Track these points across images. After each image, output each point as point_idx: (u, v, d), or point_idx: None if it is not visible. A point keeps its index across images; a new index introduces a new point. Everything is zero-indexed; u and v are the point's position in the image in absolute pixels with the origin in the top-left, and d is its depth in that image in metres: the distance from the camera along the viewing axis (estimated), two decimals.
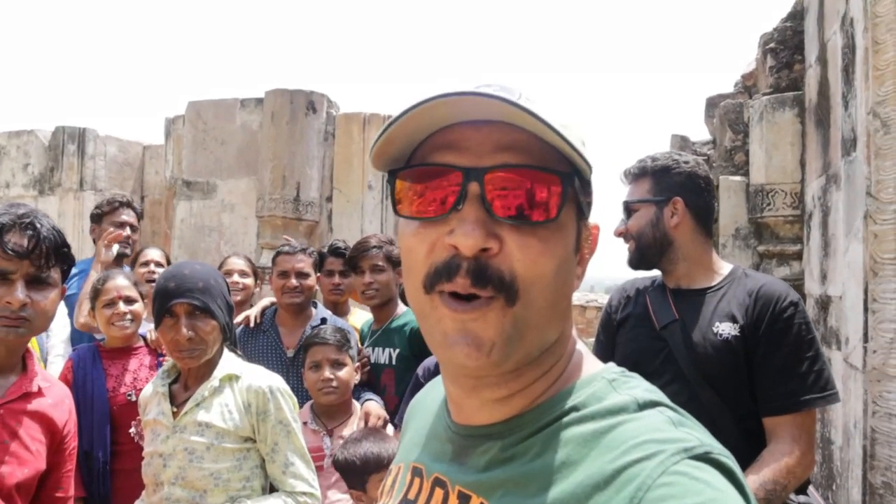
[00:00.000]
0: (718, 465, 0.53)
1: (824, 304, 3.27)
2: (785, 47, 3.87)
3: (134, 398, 2.22)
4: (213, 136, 6.36)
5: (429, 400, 0.79)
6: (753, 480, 1.47)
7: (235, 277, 2.93)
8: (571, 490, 0.55)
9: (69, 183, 7.23)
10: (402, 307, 2.64)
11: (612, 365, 0.67)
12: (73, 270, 2.95)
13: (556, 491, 0.55)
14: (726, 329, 1.62)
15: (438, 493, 0.65)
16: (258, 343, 2.64)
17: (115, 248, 2.91)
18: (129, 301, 2.37)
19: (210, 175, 6.35)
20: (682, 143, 4.65)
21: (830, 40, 3.15)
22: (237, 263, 3.00)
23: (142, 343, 2.45)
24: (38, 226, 1.34)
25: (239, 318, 2.68)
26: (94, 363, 2.33)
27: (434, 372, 2.32)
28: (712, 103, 4.77)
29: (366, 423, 2.28)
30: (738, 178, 4.10)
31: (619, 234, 1.81)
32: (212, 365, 1.79)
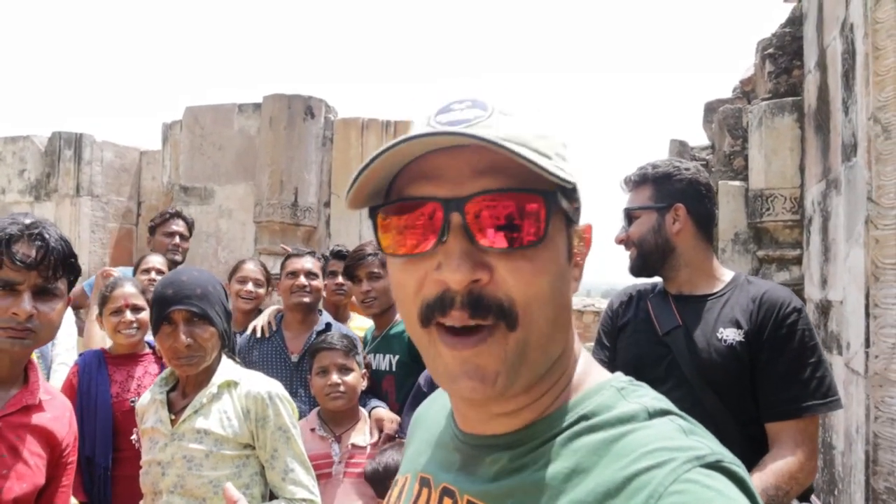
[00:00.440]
0: (730, 473, 0.53)
1: (825, 309, 3.26)
2: (784, 53, 3.88)
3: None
4: (211, 141, 6.35)
5: (434, 409, 0.78)
6: (755, 485, 1.45)
7: (250, 286, 2.94)
8: (582, 498, 0.54)
9: (66, 189, 7.20)
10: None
11: (619, 374, 0.66)
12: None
13: (566, 499, 0.55)
14: (731, 335, 1.62)
15: (447, 502, 0.64)
16: (262, 348, 2.64)
17: (112, 279, 2.91)
18: (135, 309, 2.39)
19: (207, 180, 6.34)
20: (680, 147, 4.65)
21: (830, 46, 3.16)
22: (253, 271, 3.00)
23: (148, 350, 2.46)
24: (47, 236, 1.32)
25: (248, 330, 2.70)
26: (99, 369, 2.35)
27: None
28: (711, 108, 4.77)
29: (380, 431, 2.28)
30: (737, 183, 4.10)
31: (619, 241, 1.80)
32: (210, 372, 1.77)
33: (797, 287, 3.77)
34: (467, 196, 0.57)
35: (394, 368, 2.52)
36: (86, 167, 7.22)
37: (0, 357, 1.33)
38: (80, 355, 2.50)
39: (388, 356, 2.53)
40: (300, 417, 2.12)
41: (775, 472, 1.50)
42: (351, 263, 2.65)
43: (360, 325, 3.00)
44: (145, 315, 2.38)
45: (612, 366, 1.57)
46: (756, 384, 1.60)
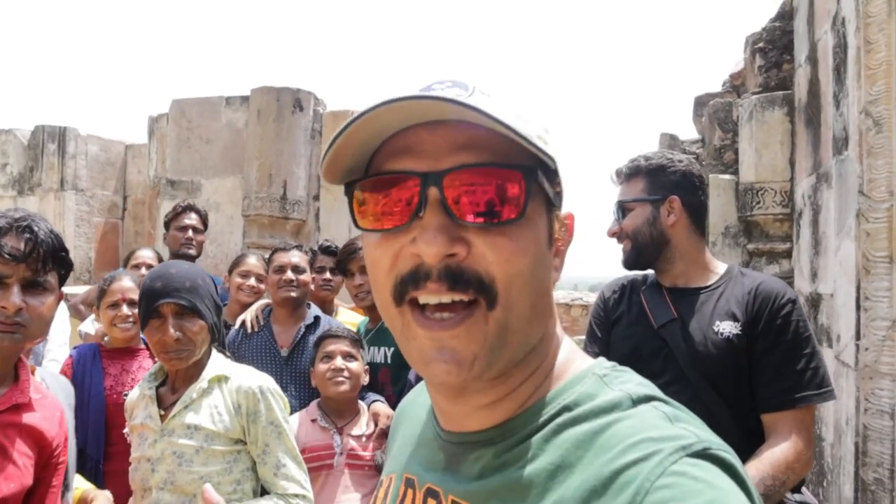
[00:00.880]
0: (718, 461, 0.51)
1: (815, 301, 3.28)
2: (774, 47, 3.89)
3: None
4: (198, 134, 6.28)
5: (415, 406, 0.77)
6: (753, 476, 1.47)
7: (252, 281, 2.92)
8: (570, 495, 0.53)
9: (50, 183, 7.10)
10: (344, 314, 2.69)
11: (602, 360, 0.65)
12: None
13: (552, 497, 0.54)
14: (727, 328, 1.62)
15: (431, 503, 0.63)
16: (252, 343, 2.62)
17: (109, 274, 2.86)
18: (132, 303, 2.37)
19: (195, 174, 6.27)
20: (670, 141, 4.66)
21: (821, 40, 3.16)
22: (255, 265, 2.96)
23: (143, 346, 2.44)
24: (36, 229, 1.30)
25: (237, 324, 2.68)
26: (93, 361, 2.37)
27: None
28: (701, 102, 4.79)
29: (376, 424, 2.29)
30: (727, 176, 4.11)
31: (612, 234, 1.79)
32: (200, 366, 1.75)
33: (787, 280, 3.79)
34: (445, 170, 0.56)
35: (389, 361, 2.53)
36: (70, 161, 7.12)
37: None
38: (75, 348, 2.50)
39: (382, 349, 2.53)
40: (290, 412, 2.10)
41: (772, 462, 1.50)
42: (343, 257, 2.65)
43: (345, 319, 2.99)
44: None
45: (606, 358, 1.54)
46: (752, 375, 1.61)
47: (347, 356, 2.26)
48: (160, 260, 3.10)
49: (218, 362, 1.78)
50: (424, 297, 0.56)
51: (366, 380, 2.35)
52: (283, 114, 5.79)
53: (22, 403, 1.35)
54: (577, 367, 0.63)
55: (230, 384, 1.73)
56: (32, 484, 1.34)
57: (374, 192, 0.59)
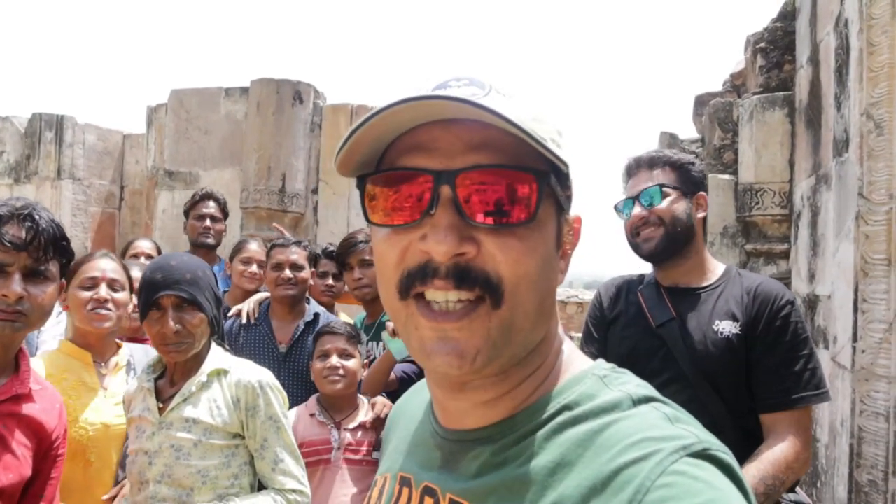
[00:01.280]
0: (717, 461, 0.52)
1: (812, 303, 3.29)
2: (775, 47, 3.89)
3: None
4: (197, 125, 6.25)
5: (411, 406, 0.77)
6: (753, 476, 1.48)
7: (254, 267, 2.89)
8: (569, 493, 0.53)
9: (46, 171, 7.06)
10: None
11: (601, 362, 0.65)
12: None
13: (552, 495, 0.54)
14: (727, 327, 1.63)
15: (428, 501, 0.62)
16: (250, 337, 2.60)
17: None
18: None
19: (193, 165, 6.24)
20: (670, 140, 4.66)
21: (823, 41, 3.16)
22: (257, 252, 2.93)
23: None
24: (37, 217, 1.30)
25: (233, 311, 2.66)
26: None
27: (418, 375, 2.31)
28: (701, 101, 4.78)
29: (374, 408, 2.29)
30: (726, 176, 4.11)
31: (641, 218, 1.73)
32: (199, 359, 1.74)
33: (784, 281, 3.80)
34: (459, 169, 0.56)
35: None
36: (67, 150, 7.08)
37: None
38: None
39: (380, 343, 2.52)
40: (288, 409, 2.10)
41: (772, 462, 1.51)
42: (342, 251, 2.63)
43: (345, 320, 2.97)
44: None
45: (603, 359, 1.54)
46: (751, 376, 1.62)
47: (343, 354, 2.25)
48: (159, 251, 3.08)
49: (217, 356, 1.77)
50: (431, 294, 0.57)
51: (364, 374, 2.34)
52: (283, 106, 5.77)
53: (22, 394, 1.34)
54: (577, 367, 0.64)
55: (229, 378, 1.73)
56: (31, 475, 1.34)
57: (385, 187, 0.59)
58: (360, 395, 2.35)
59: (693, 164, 1.78)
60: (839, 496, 2.70)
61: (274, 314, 2.66)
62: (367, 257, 2.55)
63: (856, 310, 2.45)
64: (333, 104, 6.13)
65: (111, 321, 1.98)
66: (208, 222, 3.31)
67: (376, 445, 2.21)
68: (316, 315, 2.62)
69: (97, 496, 1.88)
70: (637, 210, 1.73)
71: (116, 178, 7.53)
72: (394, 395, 2.42)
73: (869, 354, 2.38)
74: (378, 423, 2.23)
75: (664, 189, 1.72)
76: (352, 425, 2.21)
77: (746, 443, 1.56)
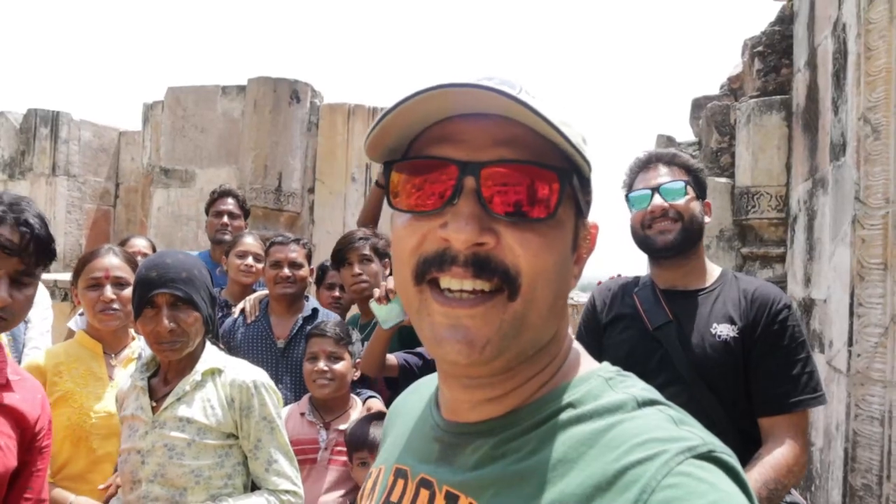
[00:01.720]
0: (722, 464, 0.52)
1: (807, 307, 3.29)
2: (773, 51, 3.90)
3: None
4: (193, 123, 6.23)
5: (411, 402, 0.77)
6: (756, 480, 1.49)
7: (249, 260, 2.88)
8: (571, 491, 0.53)
9: (41, 168, 7.03)
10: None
11: (606, 364, 0.66)
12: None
13: (553, 491, 0.54)
14: (725, 330, 1.64)
15: (424, 493, 0.62)
16: (249, 333, 2.60)
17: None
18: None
19: (189, 163, 6.22)
20: (667, 143, 4.66)
21: (821, 45, 3.17)
22: (252, 245, 2.92)
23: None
24: (32, 222, 1.26)
25: (236, 310, 2.66)
26: None
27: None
28: (698, 105, 4.79)
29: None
30: (723, 179, 4.11)
31: (662, 209, 1.71)
32: (193, 358, 1.73)
33: (780, 285, 3.80)
34: (484, 162, 0.57)
35: None
36: (62, 146, 7.05)
37: None
38: None
39: None
40: (284, 405, 2.09)
41: (774, 466, 1.52)
42: (342, 247, 2.62)
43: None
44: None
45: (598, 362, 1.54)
46: (748, 379, 1.63)
47: (332, 356, 2.24)
48: (154, 249, 3.06)
49: (212, 355, 1.76)
50: (447, 281, 0.57)
51: (356, 375, 2.33)
52: (280, 105, 5.75)
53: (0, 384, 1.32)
54: (583, 368, 0.64)
55: (224, 377, 1.72)
56: (17, 467, 1.32)
57: (411, 174, 0.60)
58: (353, 396, 2.35)
59: (703, 171, 1.82)
60: (833, 500, 2.70)
61: (272, 311, 2.65)
62: (367, 253, 2.55)
63: (851, 314, 2.45)
64: (330, 103, 6.12)
65: (118, 320, 2.06)
66: (226, 219, 3.28)
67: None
68: (314, 310, 2.62)
69: (98, 484, 1.91)
70: (658, 201, 1.71)
71: (112, 176, 7.50)
72: (393, 383, 2.42)
73: (864, 358, 2.38)
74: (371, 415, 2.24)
75: (688, 187, 1.73)
76: (342, 426, 2.20)
77: (744, 445, 1.56)
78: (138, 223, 6.92)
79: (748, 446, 1.57)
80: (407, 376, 2.21)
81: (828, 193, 2.97)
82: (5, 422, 1.31)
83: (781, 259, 3.85)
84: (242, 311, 2.66)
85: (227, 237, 3.23)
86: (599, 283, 1.98)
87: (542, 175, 0.58)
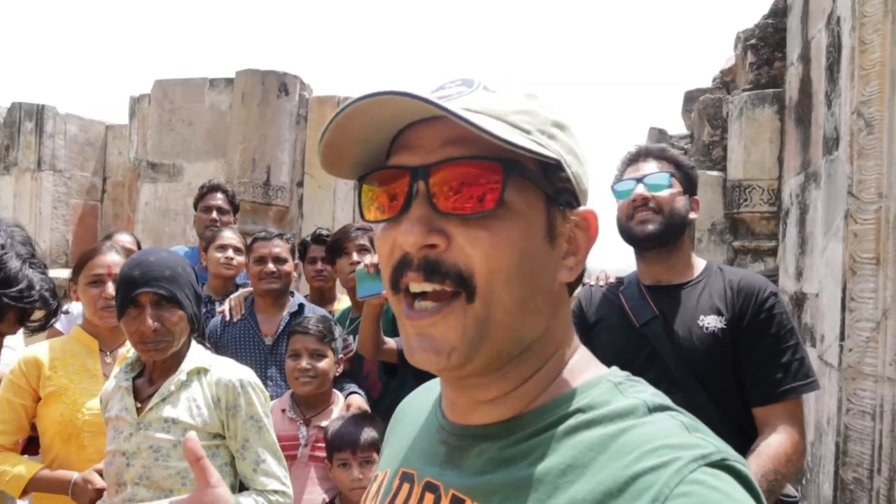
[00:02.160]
0: (735, 472, 0.52)
1: (799, 301, 3.29)
2: (766, 44, 3.88)
3: None
4: (181, 116, 6.16)
5: (417, 404, 0.76)
6: (754, 472, 1.46)
7: (230, 253, 2.86)
8: (581, 497, 0.52)
9: (26, 162, 6.93)
10: None
11: (615, 369, 0.64)
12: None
13: (563, 498, 0.53)
14: (712, 322, 1.63)
15: (429, 497, 0.61)
16: (235, 331, 2.58)
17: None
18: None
19: (176, 157, 6.15)
20: (659, 136, 4.65)
21: (815, 38, 3.15)
22: (230, 238, 2.90)
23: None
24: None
25: (224, 307, 2.64)
26: None
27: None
28: (690, 97, 4.78)
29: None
30: (715, 173, 4.11)
31: (643, 198, 1.70)
32: (179, 358, 1.70)
33: (772, 279, 3.80)
34: (431, 164, 0.58)
35: None
36: (48, 140, 6.95)
37: None
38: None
39: None
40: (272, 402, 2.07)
41: (771, 457, 1.51)
42: (340, 237, 2.61)
43: (346, 305, 2.94)
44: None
45: None
46: (739, 370, 1.62)
47: (314, 354, 2.23)
48: (139, 246, 3.02)
49: (197, 354, 1.73)
50: (410, 285, 0.58)
51: (338, 371, 2.33)
52: (268, 98, 5.69)
53: None
54: (591, 372, 0.63)
55: (210, 377, 1.69)
56: None
57: (376, 185, 0.62)
58: (335, 391, 2.34)
59: (694, 168, 1.80)
60: (825, 494, 2.71)
61: (258, 308, 2.63)
62: (365, 243, 2.54)
63: (843, 308, 2.44)
64: (319, 96, 6.06)
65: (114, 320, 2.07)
66: (215, 214, 3.23)
67: None
68: (301, 306, 2.60)
69: None
70: (640, 190, 1.70)
71: (99, 170, 7.41)
72: (392, 368, 2.41)
73: (856, 353, 2.38)
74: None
75: (672, 179, 1.71)
76: (323, 423, 2.19)
77: (737, 439, 1.55)
78: (125, 218, 6.85)
79: (742, 440, 1.56)
80: (407, 362, 2.18)
81: (820, 187, 2.96)
82: None
83: (773, 253, 3.85)
84: (228, 310, 2.63)
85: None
86: (584, 283, 1.95)
87: (485, 167, 0.56)
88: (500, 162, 0.56)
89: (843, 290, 2.45)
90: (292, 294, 2.69)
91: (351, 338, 2.57)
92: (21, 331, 1.28)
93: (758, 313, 1.61)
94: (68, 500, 1.89)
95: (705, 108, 4.31)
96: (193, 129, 6.13)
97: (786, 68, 3.80)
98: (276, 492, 1.68)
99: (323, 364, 2.23)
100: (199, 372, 1.69)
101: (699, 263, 1.78)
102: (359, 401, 2.31)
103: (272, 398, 2.11)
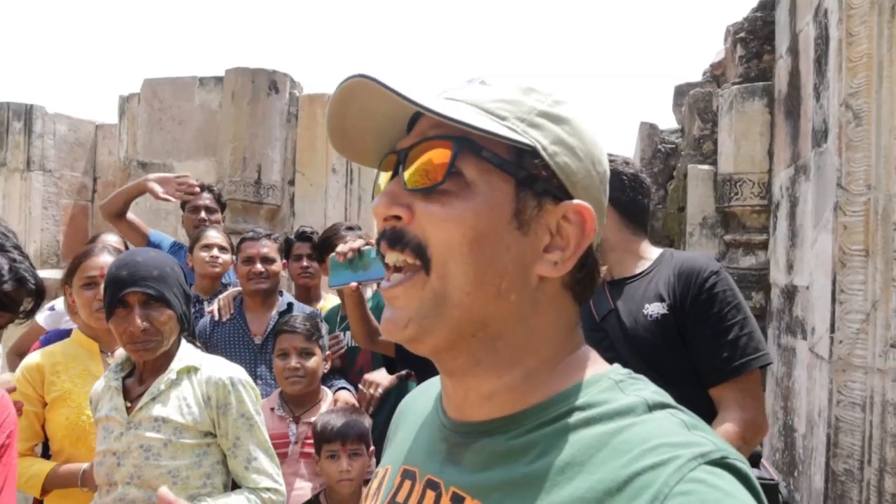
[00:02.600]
0: (735, 470, 0.52)
1: (790, 293, 3.31)
2: (755, 37, 3.89)
3: None
4: (171, 115, 6.12)
5: (420, 402, 0.76)
6: None
7: (215, 251, 2.85)
8: (580, 495, 0.52)
9: (15, 163, 6.87)
10: (370, 289, 2.63)
11: (617, 366, 0.64)
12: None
13: (561, 495, 0.53)
14: (656, 309, 1.64)
15: (430, 495, 0.61)
16: (224, 331, 2.58)
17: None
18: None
19: (167, 156, 6.12)
20: (650, 130, 4.66)
21: (803, 31, 3.16)
22: (215, 237, 2.89)
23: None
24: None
25: (214, 307, 2.64)
26: None
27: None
28: (681, 92, 4.79)
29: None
30: (705, 167, 4.12)
31: None
32: (169, 357, 1.69)
33: (763, 272, 3.82)
34: (408, 146, 0.61)
35: None
36: (37, 140, 6.89)
37: None
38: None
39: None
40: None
41: (722, 438, 1.51)
42: (330, 234, 2.62)
43: (331, 304, 2.95)
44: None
45: None
46: (691, 353, 1.62)
47: (303, 353, 2.23)
48: (126, 246, 3.01)
49: (187, 353, 1.72)
50: (385, 256, 0.62)
51: (326, 367, 2.33)
52: (259, 96, 5.66)
53: None
54: (592, 370, 0.62)
55: (200, 375, 1.68)
56: None
57: (382, 170, 0.66)
58: (324, 388, 2.35)
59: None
60: (816, 485, 2.72)
61: (247, 307, 2.64)
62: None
63: (833, 300, 2.45)
64: (310, 94, 6.03)
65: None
66: (203, 214, 3.21)
67: None
68: (289, 305, 2.61)
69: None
70: None
71: (89, 170, 7.35)
72: (391, 362, 2.40)
73: (846, 345, 2.39)
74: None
75: None
76: (312, 419, 2.19)
77: None
78: None
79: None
80: (404, 355, 2.18)
81: (810, 180, 2.97)
82: None
83: (764, 246, 3.86)
84: (217, 310, 2.63)
85: None
86: None
87: (441, 146, 0.59)
88: (451, 140, 0.59)
89: (833, 282, 2.46)
90: (281, 293, 2.70)
91: (343, 335, 2.57)
92: None
93: (699, 294, 1.61)
94: (80, 499, 1.88)
95: (695, 102, 4.31)
96: (183, 128, 6.10)
97: (775, 61, 3.81)
98: (268, 489, 1.68)
99: (311, 363, 2.23)
100: (190, 370, 1.69)
101: (653, 253, 1.78)
102: (347, 396, 2.32)
103: (262, 397, 2.11)
